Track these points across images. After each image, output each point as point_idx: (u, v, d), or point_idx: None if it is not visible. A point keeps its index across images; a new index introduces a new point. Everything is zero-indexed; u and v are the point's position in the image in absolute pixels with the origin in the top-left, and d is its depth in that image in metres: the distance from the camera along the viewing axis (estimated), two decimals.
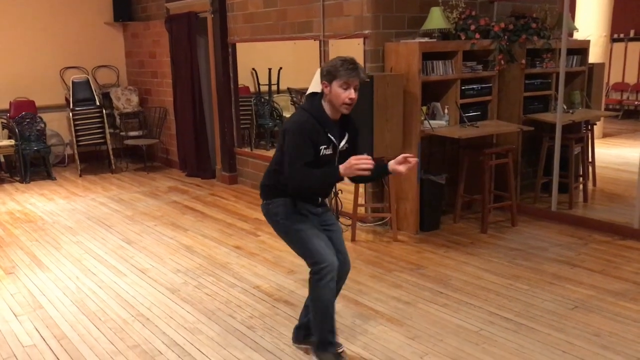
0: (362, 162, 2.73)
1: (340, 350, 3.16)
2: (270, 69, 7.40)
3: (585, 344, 3.29)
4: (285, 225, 3.04)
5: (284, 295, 4.02)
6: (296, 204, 3.02)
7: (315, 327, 3.12)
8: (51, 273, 4.53)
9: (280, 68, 7.38)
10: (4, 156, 8.02)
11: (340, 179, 2.87)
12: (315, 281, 2.97)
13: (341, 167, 2.80)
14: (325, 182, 3.00)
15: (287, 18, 6.01)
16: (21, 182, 7.61)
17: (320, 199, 3.12)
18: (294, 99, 7.24)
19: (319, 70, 5.15)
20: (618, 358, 3.15)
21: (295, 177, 2.87)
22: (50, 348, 3.38)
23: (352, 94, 2.84)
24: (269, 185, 3.08)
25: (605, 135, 8.88)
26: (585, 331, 3.43)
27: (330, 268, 2.93)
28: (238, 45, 6.82)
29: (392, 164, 2.93)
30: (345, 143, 3.02)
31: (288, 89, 7.42)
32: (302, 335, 3.31)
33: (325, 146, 2.92)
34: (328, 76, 2.86)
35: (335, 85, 2.84)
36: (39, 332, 3.58)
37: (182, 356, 3.26)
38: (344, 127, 3.01)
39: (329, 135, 2.92)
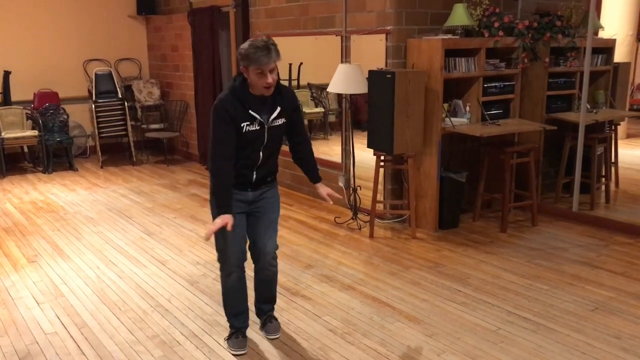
0: (211, 230, 2.87)
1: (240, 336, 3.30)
2: (290, 64, 7.39)
3: (606, 346, 3.25)
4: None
5: (301, 290, 4.03)
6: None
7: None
8: (72, 262, 4.59)
9: (301, 63, 7.36)
10: (27, 146, 8.14)
11: (216, 213, 2.93)
12: (220, 273, 3.26)
13: (221, 216, 2.87)
14: (216, 194, 2.99)
15: (309, 13, 6.01)
16: (44, 172, 7.72)
17: (254, 181, 3.12)
18: (314, 94, 7.23)
19: (339, 67, 5.18)
20: None
21: (213, 162, 2.96)
22: (71, 336, 3.43)
23: (268, 78, 2.84)
24: None
25: (629, 135, 8.74)
26: (606, 333, 3.39)
27: (227, 271, 3.19)
28: None
29: (319, 187, 3.25)
30: (277, 117, 3.01)
31: (308, 84, 7.40)
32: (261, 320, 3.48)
33: (247, 123, 2.93)
34: (244, 61, 2.86)
35: (251, 71, 2.84)
36: (60, 320, 3.63)
37: (200, 347, 3.29)
38: (276, 102, 3.00)
39: (250, 112, 2.93)
